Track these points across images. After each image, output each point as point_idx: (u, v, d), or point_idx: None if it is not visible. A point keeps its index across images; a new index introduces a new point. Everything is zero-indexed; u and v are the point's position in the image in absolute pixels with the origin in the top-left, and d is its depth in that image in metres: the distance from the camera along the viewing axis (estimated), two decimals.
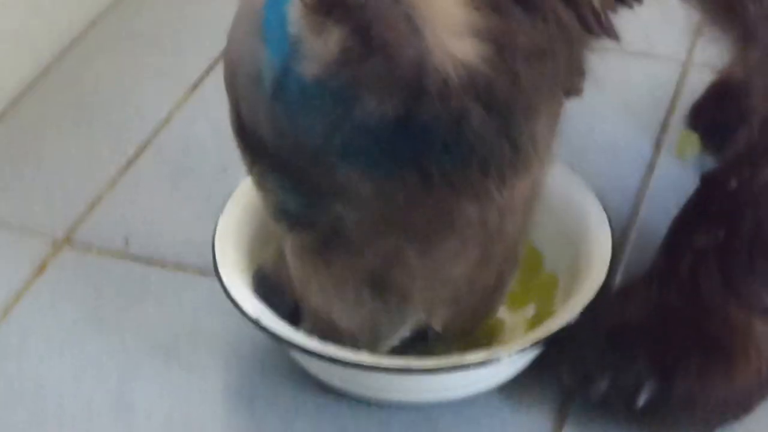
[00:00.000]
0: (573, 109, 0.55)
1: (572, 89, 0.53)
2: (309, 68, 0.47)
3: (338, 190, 0.51)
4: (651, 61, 0.86)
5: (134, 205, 0.77)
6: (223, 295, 0.58)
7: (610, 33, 0.51)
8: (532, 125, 0.50)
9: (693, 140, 0.78)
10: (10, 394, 0.63)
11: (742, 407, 0.59)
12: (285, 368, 0.63)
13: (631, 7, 0.52)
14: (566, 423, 0.59)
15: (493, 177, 0.51)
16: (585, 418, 0.59)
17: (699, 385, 0.57)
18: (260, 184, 0.54)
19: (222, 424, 0.60)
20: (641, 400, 0.56)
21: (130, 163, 0.82)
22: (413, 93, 0.47)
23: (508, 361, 0.56)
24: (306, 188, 0.52)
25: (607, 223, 0.63)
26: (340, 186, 0.51)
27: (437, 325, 0.59)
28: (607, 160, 0.76)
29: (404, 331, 0.59)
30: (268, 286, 0.60)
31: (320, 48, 0.46)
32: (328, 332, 0.58)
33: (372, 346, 0.58)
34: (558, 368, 0.59)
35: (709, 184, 0.61)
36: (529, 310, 0.66)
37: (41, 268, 0.71)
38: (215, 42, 0.59)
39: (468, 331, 0.61)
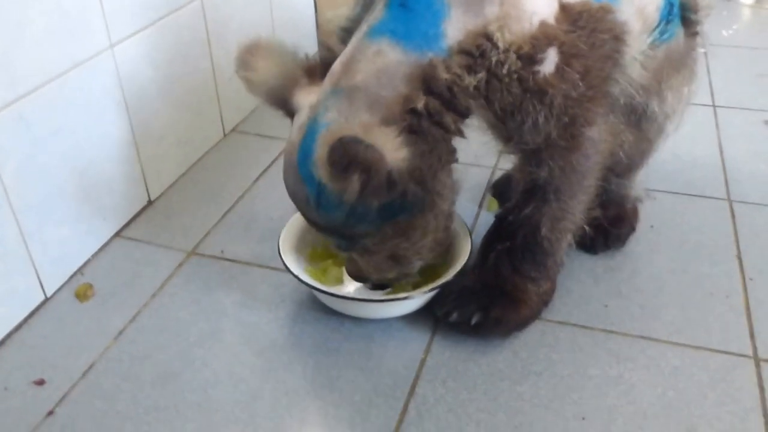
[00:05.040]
0: None
1: (450, 160, 0.77)
2: (335, 195, 0.69)
3: (360, 235, 0.76)
4: (474, 168, 1.18)
5: (228, 235, 1.06)
6: (275, 273, 0.93)
7: (461, 134, 0.74)
8: (438, 180, 0.74)
9: (494, 201, 1.10)
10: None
11: (523, 325, 0.87)
12: (309, 303, 0.92)
13: (461, 134, 0.74)
14: (436, 334, 0.87)
15: (428, 204, 0.75)
16: (445, 332, 0.87)
17: (501, 315, 0.84)
18: (323, 237, 0.80)
19: (286, 330, 0.87)
20: (473, 321, 0.84)
21: (227, 212, 1.10)
22: (390, 187, 0.68)
23: (420, 297, 0.85)
24: (345, 238, 0.77)
25: (469, 242, 0.90)
26: (360, 233, 0.75)
27: (418, 266, 0.83)
28: (462, 211, 0.96)
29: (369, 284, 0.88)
30: (352, 270, 0.86)
31: (350, 188, 0.66)
32: (375, 281, 0.85)
33: (404, 277, 0.84)
34: (433, 308, 0.87)
35: (500, 219, 0.87)
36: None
37: (179, 266, 1.00)
38: None
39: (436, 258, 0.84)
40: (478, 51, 0.69)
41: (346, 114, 0.70)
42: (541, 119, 0.73)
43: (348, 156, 0.64)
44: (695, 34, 0.89)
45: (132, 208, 1.11)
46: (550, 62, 0.71)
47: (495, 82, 0.70)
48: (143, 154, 1.11)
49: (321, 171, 0.67)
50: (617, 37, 0.75)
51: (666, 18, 0.82)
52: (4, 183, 0.85)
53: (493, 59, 0.69)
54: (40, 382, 0.82)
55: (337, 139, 0.64)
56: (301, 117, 0.75)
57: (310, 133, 0.72)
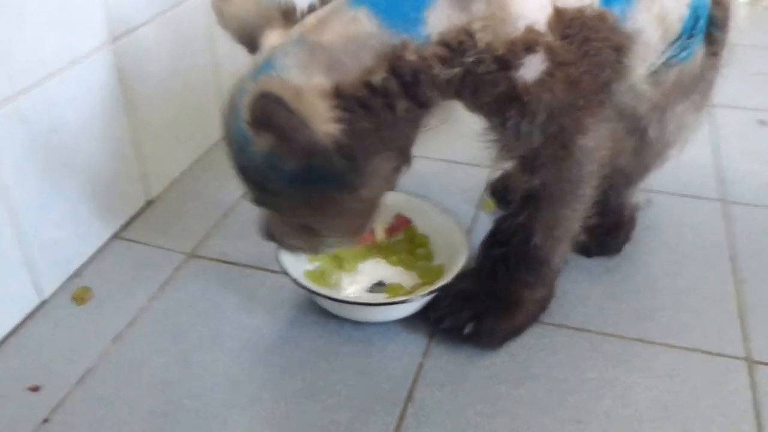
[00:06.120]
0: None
1: (393, 148, 0.72)
2: (255, 149, 0.67)
3: (274, 191, 0.71)
4: (472, 168, 1.19)
5: (227, 236, 1.04)
6: (274, 276, 0.92)
7: (409, 123, 0.70)
8: (370, 163, 0.70)
9: (489, 202, 1.09)
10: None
11: (518, 333, 0.85)
12: (308, 306, 0.90)
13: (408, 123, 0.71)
14: (434, 337, 0.86)
15: (350, 183, 0.71)
16: (443, 335, 0.86)
17: (495, 323, 0.83)
18: (241, 183, 0.73)
19: (284, 331, 0.86)
20: (466, 331, 0.82)
21: (227, 213, 1.10)
22: (309, 155, 0.65)
23: (418, 300, 0.84)
24: (260, 189, 0.72)
25: (467, 245, 0.89)
26: (274, 189, 0.71)
27: (331, 246, 0.81)
28: (459, 213, 0.98)
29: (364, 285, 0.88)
30: (263, 226, 0.81)
31: (259, 143, 0.65)
32: (282, 246, 0.83)
33: (313, 251, 0.82)
34: (429, 313, 0.86)
35: (497, 224, 0.85)
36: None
37: (178, 268, 0.99)
38: None
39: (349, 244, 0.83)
40: (458, 46, 0.67)
41: (302, 66, 0.67)
42: (523, 126, 0.71)
43: (265, 114, 0.62)
44: (716, 54, 0.85)
45: (131, 209, 1.09)
46: (531, 69, 0.68)
47: (470, 79, 0.68)
48: (143, 152, 1.08)
49: (244, 115, 0.65)
50: (618, 46, 0.72)
51: (689, 32, 0.78)
52: (1, 181, 0.83)
53: (470, 59, 0.67)
54: (35, 389, 0.80)
55: (260, 94, 0.62)
56: (260, 54, 0.71)
57: (259, 70, 0.69)
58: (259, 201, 0.76)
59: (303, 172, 0.68)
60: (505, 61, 0.67)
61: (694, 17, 0.78)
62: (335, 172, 0.68)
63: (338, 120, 0.65)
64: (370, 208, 0.78)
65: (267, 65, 0.69)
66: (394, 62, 0.67)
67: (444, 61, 0.67)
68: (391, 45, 0.67)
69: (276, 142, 0.64)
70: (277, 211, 0.77)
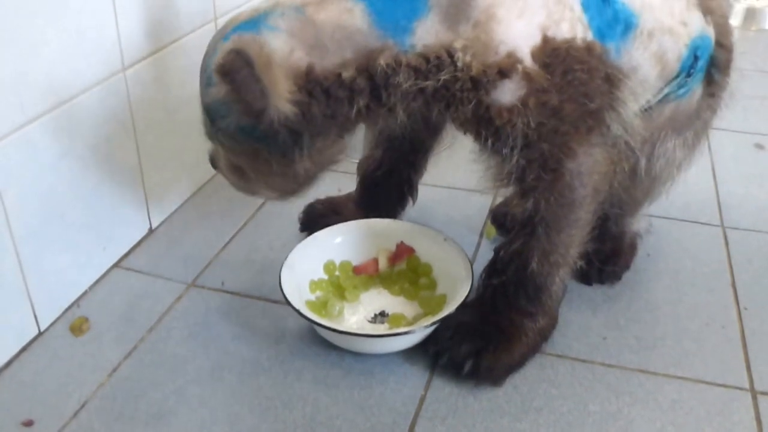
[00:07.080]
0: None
1: (339, 136, 0.76)
2: (212, 91, 0.71)
3: (221, 131, 0.74)
4: (474, 195, 1.16)
5: (228, 265, 1.02)
6: (275, 306, 0.91)
7: (362, 118, 0.73)
8: (313, 142, 0.74)
9: (492, 229, 1.08)
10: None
11: (520, 365, 0.83)
12: (309, 337, 0.89)
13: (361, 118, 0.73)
14: (436, 368, 0.84)
15: (289, 155, 0.74)
16: (443, 369, 0.83)
17: (494, 359, 0.81)
18: (202, 113, 0.76)
19: (284, 358, 0.85)
20: (465, 369, 0.80)
21: (229, 242, 1.07)
22: (258, 118, 0.69)
23: (420, 332, 0.82)
24: (211, 124, 0.75)
25: (470, 274, 0.87)
26: (219, 127, 0.74)
27: (263, 195, 0.83)
28: (463, 240, 0.97)
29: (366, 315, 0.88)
30: (212, 154, 0.84)
31: (217, 87, 0.69)
32: (224, 177, 0.83)
33: (245, 192, 0.83)
34: (429, 346, 0.84)
35: (496, 253, 0.84)
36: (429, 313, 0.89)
37: (178, 299, 0.97)
38: None
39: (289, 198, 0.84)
40: (435, 61, 0.69)
41: (291, 34, 0.69)
42: (502, 148, 0.72)
43: (231, 68, 0.64)
44: (714, 95, 0.84)
45: (133, 237, 1.07)
46: (506, 94, 0.69)
47: (444, 93, 0.70)
48: (147, 179, 1.07)
49: (216, 58, 0.68)
50: (609, 77, 0.72)
51: (687, 71, 0.78)
52: (6, 209, 0.81)
53: (445, 76, 0.69)
54: (29, 423, 0.77)
55: (234, 51, 0.65)
56: (264, 4, 0.73)
57: (253, 21, 0.70)
58: (209, 133, 0.78)
59: (246, 128, 0.71)
60: (478, 81, 0.69)
61: (692, 57, 0.78)
62: (276, 141, 0.71)
63: (296, 103, 0.68)
64: (304, 180, 0.80)
65: (264, 17, 0.71)
66: (368, 63, 0.69)
67: (418, 72, 0.69)
68: (372, 47, 0.69)
69: (230, 95, 0.67)
70: (221, 147, 0.79)
